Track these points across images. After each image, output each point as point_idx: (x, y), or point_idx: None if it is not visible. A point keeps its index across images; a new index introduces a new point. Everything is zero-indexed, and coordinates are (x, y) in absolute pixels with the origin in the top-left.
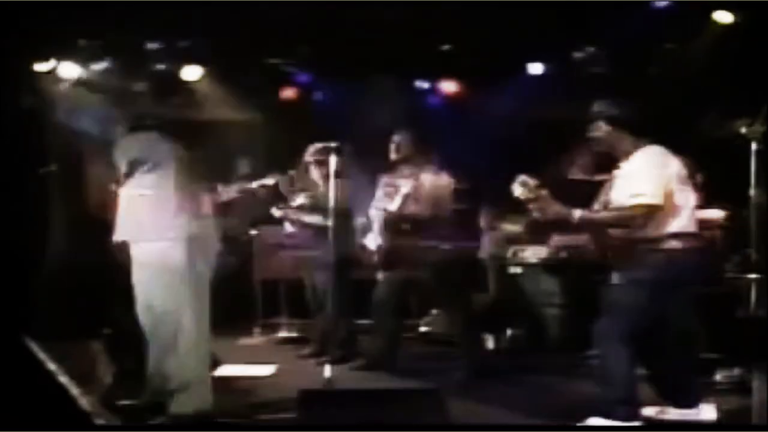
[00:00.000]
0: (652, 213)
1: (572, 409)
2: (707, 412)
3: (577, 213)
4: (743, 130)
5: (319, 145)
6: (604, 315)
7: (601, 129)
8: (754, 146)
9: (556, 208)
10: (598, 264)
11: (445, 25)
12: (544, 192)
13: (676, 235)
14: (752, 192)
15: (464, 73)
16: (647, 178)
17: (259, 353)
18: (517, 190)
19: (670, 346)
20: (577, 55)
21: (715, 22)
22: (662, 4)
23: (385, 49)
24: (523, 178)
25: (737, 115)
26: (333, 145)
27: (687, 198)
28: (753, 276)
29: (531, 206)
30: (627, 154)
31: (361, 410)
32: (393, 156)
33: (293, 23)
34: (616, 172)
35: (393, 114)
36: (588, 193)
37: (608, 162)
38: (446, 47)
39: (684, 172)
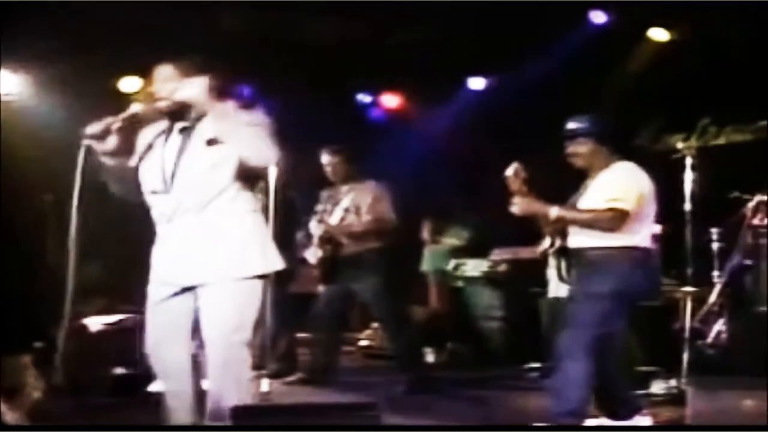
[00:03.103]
0: (624, 219)
1: (512, 422)
2: (642, 423)
3: (555, 210)
4: (679, 144)
5: None
6: (566, 328)
7: (582, 145)
8: (689, 161)
9: (535, 205)
10: (538, 277)
11: (387, 39)
12: (526, 188)
13: (634, 248)
14: (687, 206)
15: (406, 88)
16: (624, 186)
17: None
18: (510, 173)
19: (608, 358)
20: (516, 70)
21: (650, 40)
22: (599, 22)
23: (326, 62)
24: (517, 166)
25: (673, 130)
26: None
27: (650, 213)
28: (688, 289)
29: (513, 196)
30: (601, 168)
31: (296, 425)
32: (331, 178)
33: (233, 35)
34: (587, 183)
35: (335, 127)
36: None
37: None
38: (388, 61)
39: (653, 187)
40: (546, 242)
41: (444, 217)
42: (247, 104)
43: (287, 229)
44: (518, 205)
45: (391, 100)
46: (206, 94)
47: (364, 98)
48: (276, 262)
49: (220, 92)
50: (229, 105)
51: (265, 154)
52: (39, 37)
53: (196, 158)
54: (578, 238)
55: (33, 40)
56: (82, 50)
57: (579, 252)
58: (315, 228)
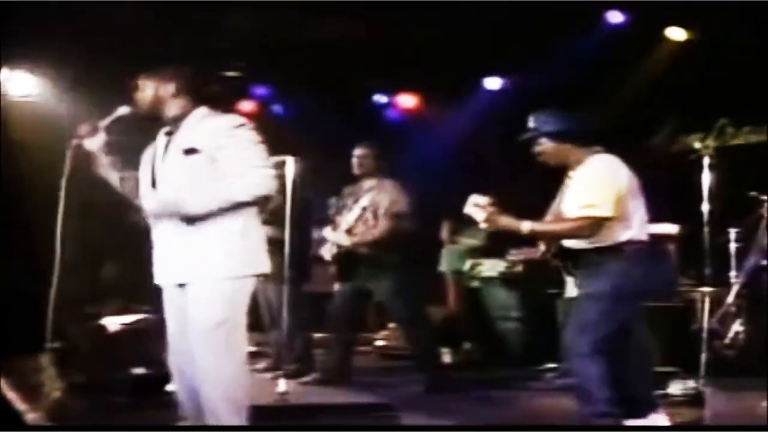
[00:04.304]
0: (601, 224)
1: (529, 423)
2: (658, 421)
3: (526, 225)
4: (696, 145)
5: (273, 159)
6: (570, 330)
7: (545, 145)
8: (706, 161)
9: (504, 221)
10: (554, 277)
11: (403, 39)
12: (493, 209)
13: (627, 244)
14: (705, 206)
15: (422, 88)
16: (597, 187)
17: None
18: (471, 211)
19: (624, 357)
20: (533, 70)
21: (667, 40)
22: (616, 21)
23: (342, 63)
24: (474, 198)
25: (690, 130)
26: (288, 158)
27: (637, 206)
28: (706, 289)
29: (481, 221)
30: (578, 164)
31: (312, 425)
32: (356, 170)
33: (250, 36)
34: (567, 181)
35: (352, 127)
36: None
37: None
38: (405, 62)
39: (635, 180)
40: (542, 248)
41: (462, 217)
42: (261, 105)
43: (302, 228)
44: (486, 225)
45: (407, 101)
46: (171, 96)
47: (380, 99)
48: (262, 265)
49: (198, 96)
50: (202, 111)
51: (260, 188)
52: (39, 37)
53: (174, 165)
54: (571, 240)
55: (33, 40)
56: (84, 50)
57: (576, 252)
58: (330, 235)
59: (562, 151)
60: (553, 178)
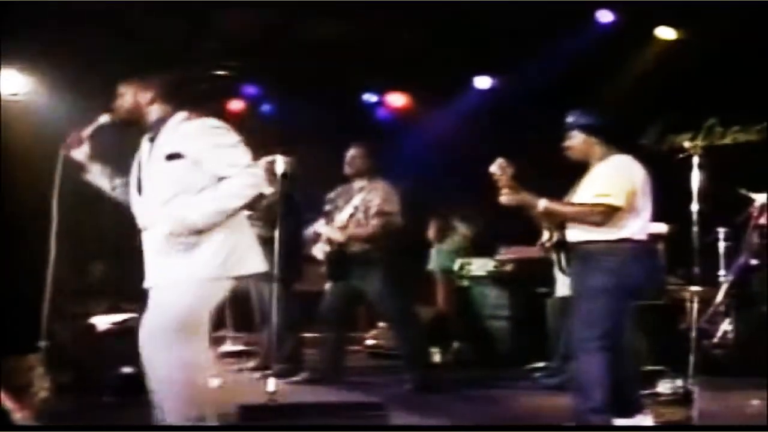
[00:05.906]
0: (612, 214)
1: (518, 422)
2: (643, 422)
3: (543, 202)
4: (686, 144)
5: (266, 158)
6: (574, 326)
7: (575, 138)
8: (695, 160)
9: (523, 196)
10: (544, 277)
11: (394, 39)
12: (514, 182)
13: (627, 240)
14: (694, 205)
15: (412, 87)
16: (614, 180)
17: None
18: (495, 169)
19: (616, 355)
20: (523, 69)
21: (657, 39)
22: (606, 21)
23: (333, 62)
24: (502, 160)
25: (679, 130)
26: (278, 157)
27: (645, 206)
28: (695, 289)
29: (501, 189)
30: (599, 160)
31: (302, 425)
32: (347, 170)
33: (240, 35)
34: (584, 179)
35: (342, 126)
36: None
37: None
38: (395, 61)
39: (648, 181)
40: (544, 236)
41: (450, 216)
42: (251, 104)
43: (292, 227)
44: (506, 196)
45: (397, 100)
46: (149, 103)
47: (370, 98)
48: (240, 267)
49: (177, 101)
50: (180, 116)
51: (253, 187)
52: (39, 37)
53: (158, 171)
54: (574, 232)
55: (33, 40)
56: (83, 50)
57: (575, 246)
58: (323, 229)
59: (589, 146)
60: (546, 178)
